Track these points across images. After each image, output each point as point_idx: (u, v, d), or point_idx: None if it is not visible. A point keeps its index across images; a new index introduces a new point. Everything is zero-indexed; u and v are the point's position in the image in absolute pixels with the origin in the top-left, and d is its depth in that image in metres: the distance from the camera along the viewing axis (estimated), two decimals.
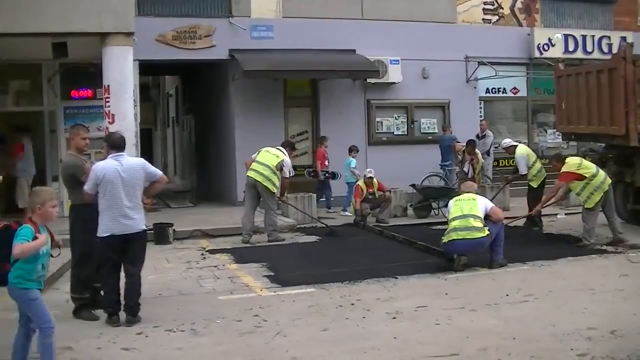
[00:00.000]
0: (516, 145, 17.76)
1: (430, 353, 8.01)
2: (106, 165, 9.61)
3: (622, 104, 15.30)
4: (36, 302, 7.22)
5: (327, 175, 21.07)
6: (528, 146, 20.00)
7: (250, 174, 16.20)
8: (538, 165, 17.48)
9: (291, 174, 16.60)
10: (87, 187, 9.58)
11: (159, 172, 10.22)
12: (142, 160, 10.28)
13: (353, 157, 21.18)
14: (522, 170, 17.20)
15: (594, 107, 16.40)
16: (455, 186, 20.73)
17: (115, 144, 9.90)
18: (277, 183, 16.21)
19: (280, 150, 16.53)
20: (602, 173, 14.86)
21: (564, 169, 14.89)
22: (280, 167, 16.19)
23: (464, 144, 20.74)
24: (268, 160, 16.22)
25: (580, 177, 14.67)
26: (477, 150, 20.32)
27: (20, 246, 6.97)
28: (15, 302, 7.31)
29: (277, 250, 15.39)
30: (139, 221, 9.75)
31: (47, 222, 7.39)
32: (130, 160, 9.96)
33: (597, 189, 14.67)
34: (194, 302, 10.84)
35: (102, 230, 9.55)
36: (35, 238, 7.06)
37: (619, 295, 10.63)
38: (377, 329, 9.13)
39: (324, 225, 17.75)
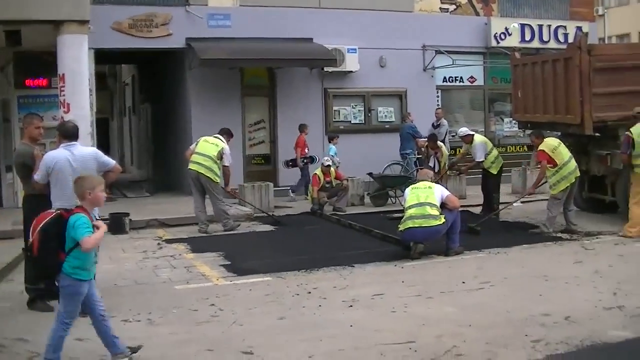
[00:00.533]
0: (473, 134, 17.79)
1: (387, 340, 8.03)
2: (57, 155, 9.45)
3: (578, 93, 15.42)
4: (79, 297, 7.22)
5: (305, 161, 21.03)
6: (485, 135, 20.15)
7: (192, 166, 16.09)
8: (495, 152, 17.59)
9: (230, 162, 16.41)
10: (37, 177, 9.45)
11: (112, 162, 10.00)
12: (94, 150, 10.09)
13: (334, 145, 21.23)
14: (480, 157, 17.23)
15: (549, 96, 16.51)
16: (413, 175, 20.83)
17: (68, 133, 9.68)
18: (219, 172, 16.11)
19: (219, 139, 16.39)
20: (573, 164, 14.98)
21: (541, 147, 15.09)
22: (220, 156, 16.08)
23: (426, 139, 20.81)
24: (207, 150, 16.10)
25: (553, 162, 14.80)
26: (439, 143, 20.28)
27: (88, 241, 6.97)
28: (60, 288, 7.26)
29: (233, 240, 15.35)
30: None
31: (96, 207, 7.33)
32: (83, 150, 9.74)
33: (564, 179, 14.83)
34: (150, 291, 10.79)
35: None
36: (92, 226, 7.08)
37: (573, 281, 10.74)
38: (333, 317, 9.15)
39: (268, 215, 17.72)
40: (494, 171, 17.36)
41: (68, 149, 9.49)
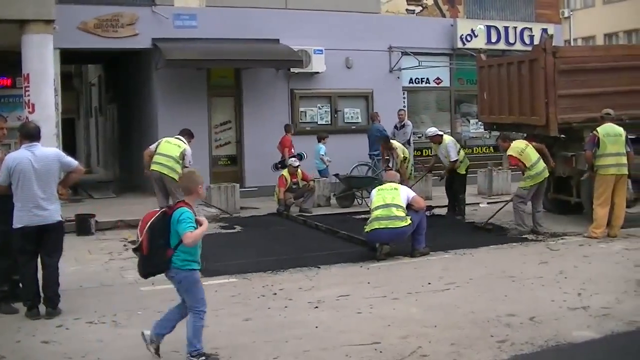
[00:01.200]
0: (441, 135, 17.79)
1: (352, 342, 8.05)
2: (18, 156, 9.41)
3: (543, 94, 15.53)
4: (199, 284, 7.56)
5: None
6: (451, 136, 20.21)
7: (155, 167, 15.99)
8: (462, 152, 17.68)
9: (191, 163, 16.33)
10: None
11: (75, 162, 10.04)
12: (56, 150, 10.12)
13: (323, 144, 21.26)
14: (454, 156, 17.23)
15: (515, 98, 16.62)
16: (379, 176, 20.84)
17: (29, 133, 9.63)
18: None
19: (181, 140, 16.30)
20: (541, 165, 15.08)
21: (509, 152, 15.25)
22: (182, 156, 15.99)
23: None
24: (170, 150, 16.02)
25: (522, 165, 14.91)
26: (394, 143, 19.94)
27: (190, 236, 7.17)
28: (177, 285, 7.56)
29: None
30: (54, 212, 9.60)
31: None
32: (45, 151, 9.70)
33: (531, 178, 14.94)
34: (115, 293, 10.75)
35: (16, 222, 9.36)
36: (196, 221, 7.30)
37: (538, 282, 10.83)
38: (299, 318, 9.16)
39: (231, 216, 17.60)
40: (462, 171, 17.46)
41: (29, 150, 9.46)
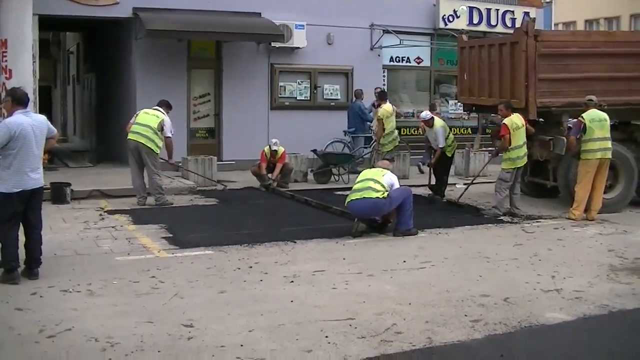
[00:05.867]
0: (433, 118, 17.67)
1: (327, 317, 8.07)
2: (21, 122, 9.50)
3: (523, 77, 15.53)
4: None
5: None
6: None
7: (132, 136, 15.87)
8: (451, 136, 17.69)
9: (172, 133, 16.28)
10: None
11: (55, 129, 10.34)
12: (43, 116, 10.24)
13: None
14: (441, 142, 17.16)
15: (495, 80, 16.59)
16: (356, 153, 20.88)
17: (22, 100, 9.76)
18: (160, 143, 15.93)
19: (159, 110, 16.21)
20: (523, 150, 15.10)
21: (505, 121, 15.09)
22: (161, 127, 15.91)
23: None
24: (148, 121, 15.92)
25: (507, 140, 14.93)
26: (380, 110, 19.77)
27: None
28: None
29: (176, 212, 15.28)
30: (42, 176, 9.88)
31: None
32: (36, 116, 9.99)
33: (511, 161, 14.98)
34: (90, 262, 10.69)
35: (13, 186, 9.42)
36: None
37: (513, 264, 10.91)
38: (274, 292, 9.17)
39: (217, 182, 17.54)
40: (449, 153, 17.51)
41: (27, 115, 9.67)
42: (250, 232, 13.01)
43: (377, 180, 12.74)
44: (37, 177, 9.67)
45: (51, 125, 10.12)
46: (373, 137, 21.32)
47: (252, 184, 18.93)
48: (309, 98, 23.58)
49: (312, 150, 20.20)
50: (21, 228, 9.79)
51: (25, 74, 17.06)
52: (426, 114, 17.84)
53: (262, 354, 6.96)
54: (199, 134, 22.49)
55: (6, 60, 16.96)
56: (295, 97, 23.44)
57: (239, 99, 21.98)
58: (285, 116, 21.98)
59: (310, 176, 20.18)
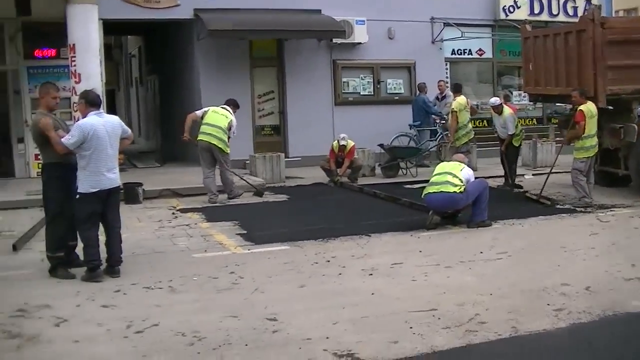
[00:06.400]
0: (502, 105, 17.56)
1: (409, 308, 8.06)
2: (94, 122, 9.68)
3: (591, 65, 15.34)
4: None
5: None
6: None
7: (203, 137, 16.05)
8: (519, 126, 17.58)
9: (235, 134, 16.43)
10: (69, 142, 9.52)
11: (129, 129, 10.54)
12: (117, 117, 10.49)
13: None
14: (511, 129, 17.10)
15: (561, 69, 16.42)
16: (423, 146, 20.83)
17: (95, 101, 10.00)
18: (228, 142, 16.17)
19: (227, 110, 16.42)
20: (595, 140, 14.87)
21: (581, 108, 14.72)
22: (229, 127, 16.12)
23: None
24: (218, 121, 16.09)
25: (582, 127, 14.72)
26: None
27: None
28: None
29: (248, 209, 15.40)
30: (118, 175, 10.09)
31: None
32: (109, 118, 10.16)
33: (584, 149, 14.78)
34: (168, 260, 10.84)
35: (90, 186, 9.60)
36: None
37: (591, 252, 10.76)
38: (354, 285, 9.19)
39: (250, 185, 17.39)
40: (517, 143, 17.45)
41: (100, 116, 9.85)
42: (323, 227, 13.05)
43: (455, 175, 12.72)
44: (113, 177, 9.86)
45: (125, 126, 10.32)
46: (438, 130, 21.30)
47: (321, 180, 19.02)
48: (372, 93, 23.62)
49: (378, 145, 20.18)
50: (101, 228, 9.97)
51: (93, 77, 17.26)
52: (495, 99, 17.75)
53: (348, 345, 6.96)
54: (265, 132, 22.65)
55: (75, 65, 17.20)
56: (359, 92, 23.48)
57: (303, 96, 22.08)
58: (350, 111, 22.03)
59: (378, 170, 20.20)
